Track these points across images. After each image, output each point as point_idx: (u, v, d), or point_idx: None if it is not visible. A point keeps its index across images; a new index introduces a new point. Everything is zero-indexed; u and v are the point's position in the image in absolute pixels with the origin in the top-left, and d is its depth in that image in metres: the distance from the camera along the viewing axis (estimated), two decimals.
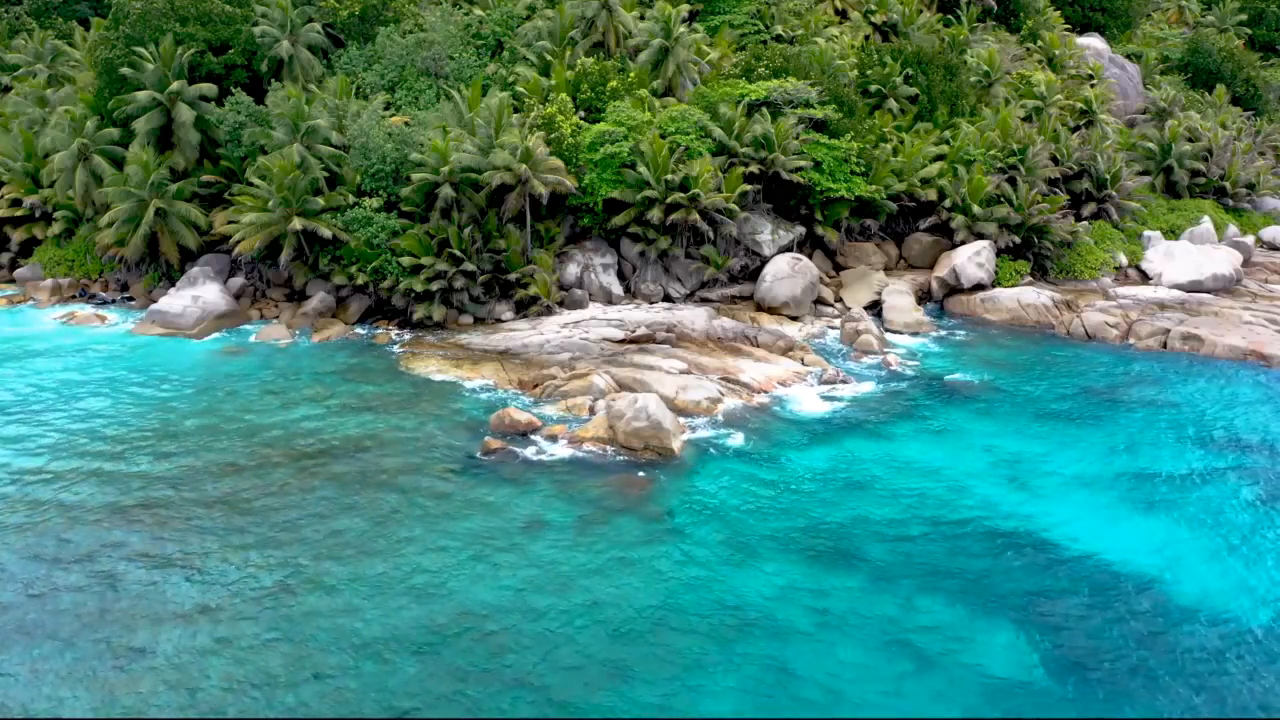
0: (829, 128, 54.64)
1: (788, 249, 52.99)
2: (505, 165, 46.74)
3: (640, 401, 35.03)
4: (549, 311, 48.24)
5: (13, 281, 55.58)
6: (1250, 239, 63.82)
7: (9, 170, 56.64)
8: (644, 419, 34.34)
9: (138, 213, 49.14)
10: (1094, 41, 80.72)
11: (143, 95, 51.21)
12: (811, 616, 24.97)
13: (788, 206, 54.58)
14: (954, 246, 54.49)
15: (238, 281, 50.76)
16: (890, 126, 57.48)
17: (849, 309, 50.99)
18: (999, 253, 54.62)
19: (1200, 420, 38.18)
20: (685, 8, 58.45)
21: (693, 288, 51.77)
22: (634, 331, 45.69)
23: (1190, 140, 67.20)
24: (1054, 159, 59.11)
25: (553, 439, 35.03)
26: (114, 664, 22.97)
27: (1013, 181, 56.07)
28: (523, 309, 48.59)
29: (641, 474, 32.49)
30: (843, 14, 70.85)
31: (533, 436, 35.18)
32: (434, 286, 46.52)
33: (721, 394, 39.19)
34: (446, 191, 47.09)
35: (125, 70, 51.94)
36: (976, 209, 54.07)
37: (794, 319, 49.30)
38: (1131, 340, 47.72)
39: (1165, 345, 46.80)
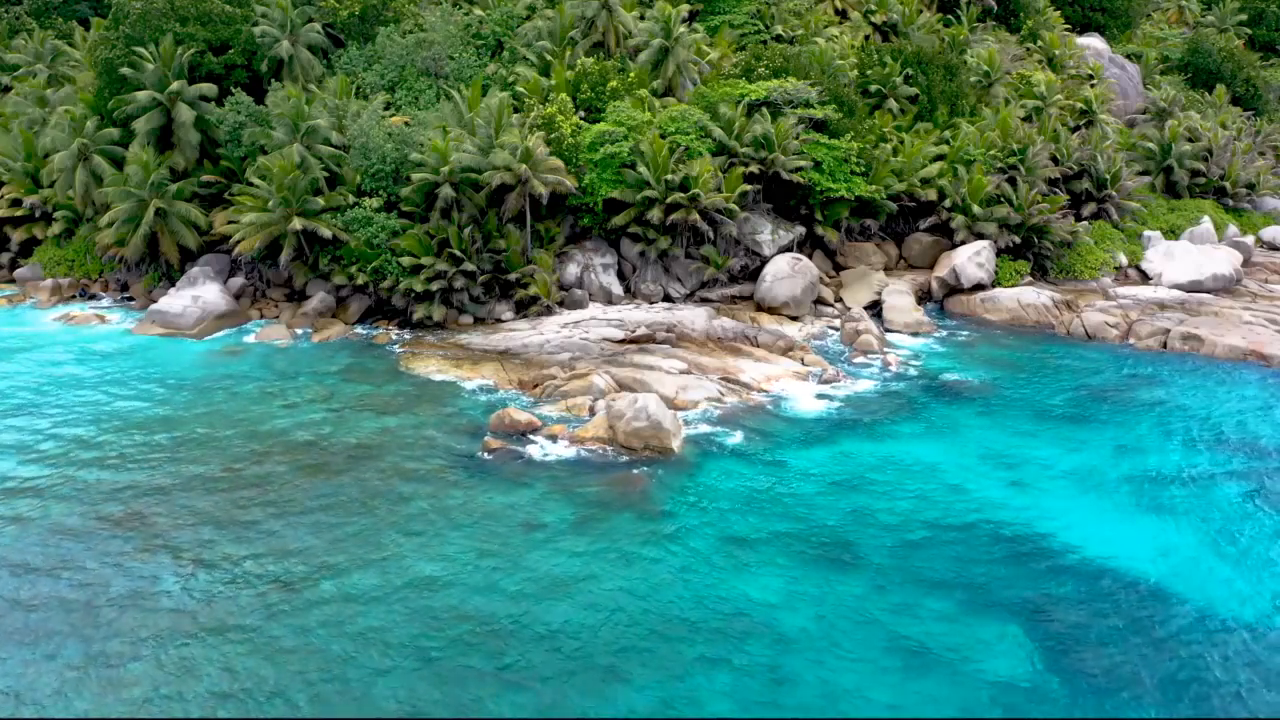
0: (829, 128, 54.65)
1: (788, 249, 52.99)
2: (505, 165, 46.75)
3: (640, 401, 35.04)
4: (549, 311, 48.24)
5: (13, 281, 55.60)
6: (1250, 239, 63.82)
7: (9, 170, 56.65)
8: (644, 419, 34.35)
9: (138, 213, 49.14)
10: (1094, 41, 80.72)
11: (143, 95, 51.21)
12: (811, 617, 24.96)
13: (788, 206, 54.59)
14: (954, 246, 54.50)
15: (238, 281, 50.76)
16: (890, 126, 57.48)
17: (849, 309, 50.99)
18: (999, 253, 54.62)
19: (1200, 421, 38.18)
20: (685, 8, 58.46)
21: (693, 288, 51.77)
22: (634, 331, 45.70)
23: (1190, 140, 67.20)
24: (1054, 159, 59.11)
25: (553, 439, 35.03)
26: (112, 664, 22.96)
27: (1013, 181, 56.07)
28: (523, 309, 48.60)
29: (641, 474, 32.49)
30: (843, 14, 70.85)
31: (533, 436, 35.18)
32: (434, 286, 46.52)
33: (721, 394, 39.20)
34: (446, 191, 47.10)
35: (125, 70, 51.95)
36: (976, 209, 54.08)
37: (794, 319, 49.30)
38: (1131, 340, 47.72)
39: (1165, 345, 46.81)
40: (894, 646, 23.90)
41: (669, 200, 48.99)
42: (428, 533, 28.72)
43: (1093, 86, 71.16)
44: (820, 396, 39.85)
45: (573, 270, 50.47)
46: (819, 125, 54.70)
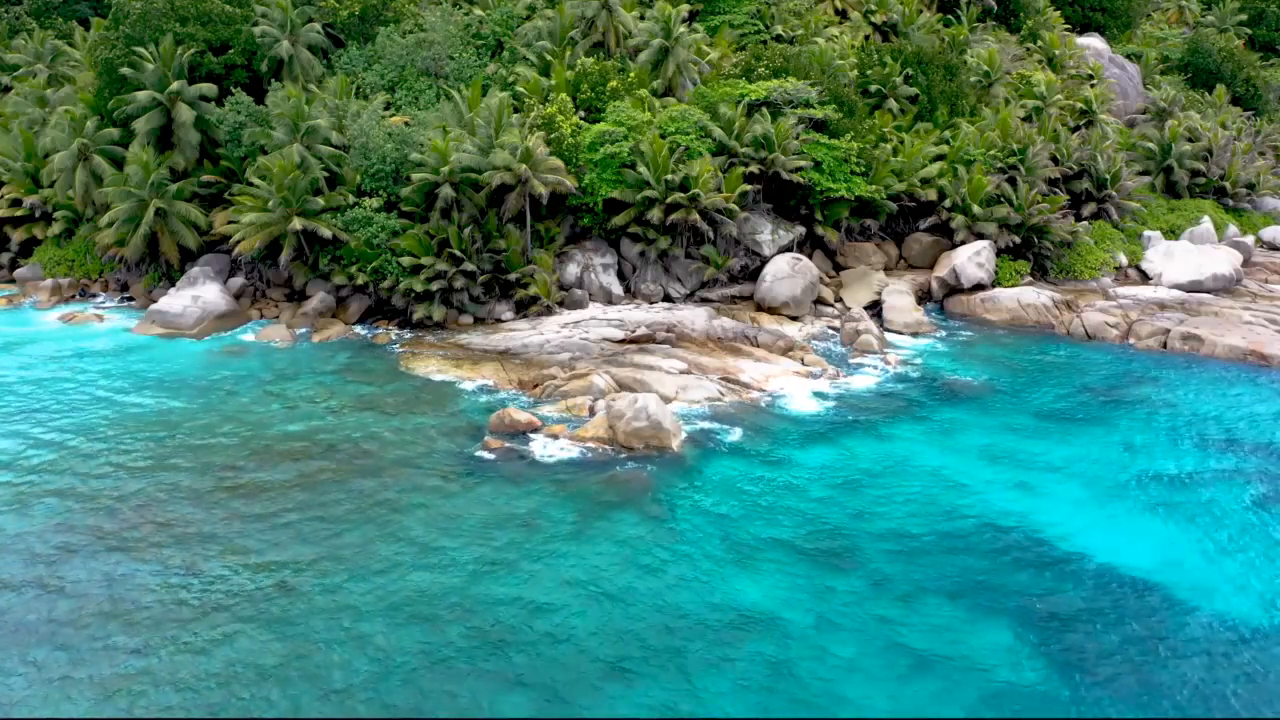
0: (829, 128, 54.65)
1: (788, 249, 52.99)
2: (505, 165, 46.75)
3: (640, 401, 35.04)
4: (549, 311, 48.24)
5: (13, 281, 55.63)
6: (1250, 239, 63.82)
7: (9, 170, 56.67)
8: (644, 419, 34.35)
9: (138, 213, 49.14)
10: (1094, 41, 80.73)
11: (143, 95, 51.22)
12: (811, 616, 24.96)
13: (788, 206, 54.59)
14: (954, 246, 54.50)
15: (238, 281, 50.77)
16: (890, 126, 57.48)
17: (849, 309, 50.99)
18: (999, 253, 54.62)
19: (1200, 420, 38.18)
20: (685, 8, 58.46)
21: (693, 288, 51.77)
22: (634, 331, 45.69)
23: (1190, 140, 67.20)
24: (1054, 159, 59.12)
25: (553, 439, 35.03)
26: (113, 664, 22.96)
27: (1013, 181, 56.07)
28: (523, 309, 48.60)
29: (641, 474, 32.48)
30: (843, 14, 70.86)
31: (533, 436, 35.18)
32: (434, 286, 46.53)
33: (721, 394, 39.21)
34: (446, 191, 47.09)
35: (125, 70, 51.95)
36: (976, 209, 54.07)
37: (794, 319, 49.30)
38: (1131, 340, 47.72)
39: (1165, 345, 46.81)
40: (894, 646, 23.90)
41: (669, 200, 48.99)
42: (427, 532, 28.72)
43: (1093, 86, 71.16)
44: (820, 396, 39.85)
45: (573, 270, 50.47)
46: (819, 125, 54.71)
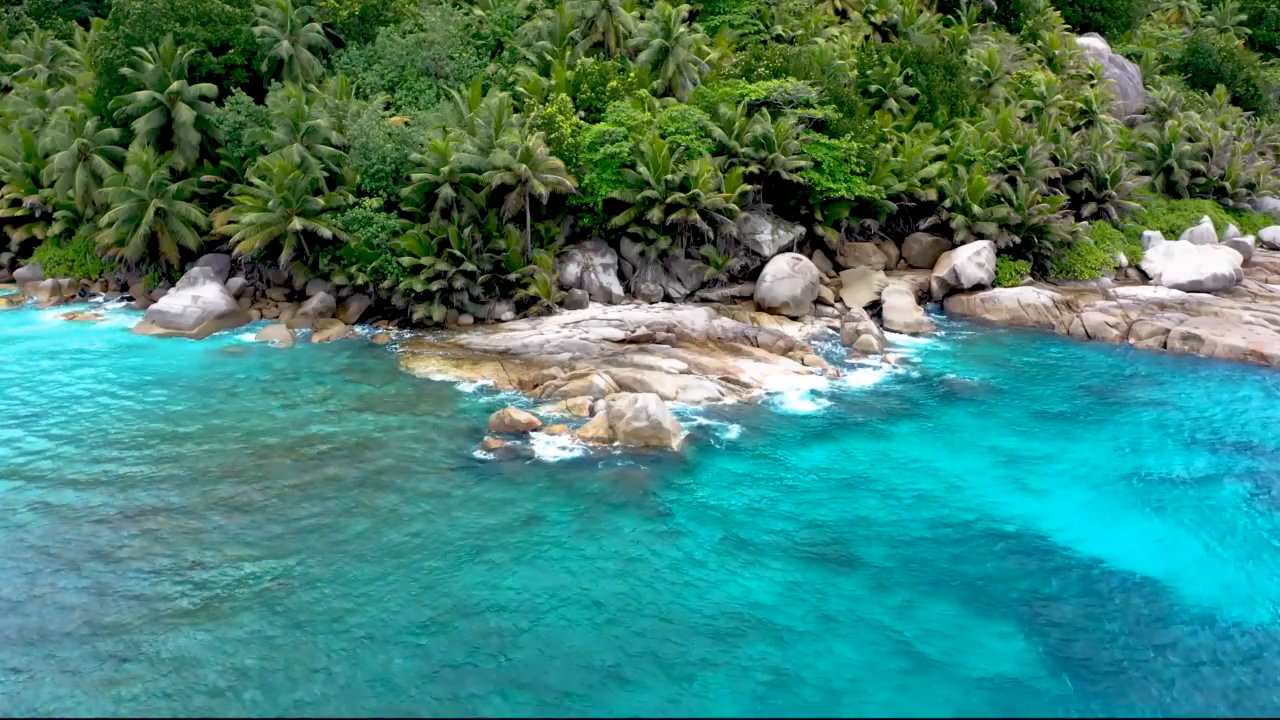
0: (829, 128, 54.65)
1: (788, 249, 52.99)
2: (505, 165, 46.75)
3: (640, 401, 35.05)
4: (549, 311, 48.24)
5: (13, 281, 55.64)
6: (1250, 239, 63.82)
7: (9, 170, 56.67)
8: (644, 419, 34.36)
9: (138, 213, 49.15)
10: (1094, 41, 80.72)
11: (143, 95, 51.21)
12: (811, 616, 24.96)
13: (788, 206, 54.59)
14: (954, 246, 54.50)
15: (238, 281, 50.77)
16: (890, 126, 57.48)
17: (849, 309, 50.99)
18: (999, 253, 54.62)
19: (1200, 421, 38.17)
20: (685, 8, 58.46)
21: (693, 288, 51.77)
22: (634, 331, 45.70)
23: (1190, 140, 67.20)
24: (1054, 159, 59.12)
25: (553, 439, 35.03)
26: (113, 664, 22.96)
27: (1013, 181, 56.07)
28: (523, 309, 48.60)
29: (641, 473, 32.49)
30: (843, 14, 70.86)
31: (533, 436, 35.19)
32: (434, 286, 46.53)
33: (721, 394, 39.22)
34: (446, 191, 47.10)
35: (125, 70, 51.95)
36: (976, 209, 54.08)
37: (794, 319, 49.30)
38: (1131, 340, 47.72)
39: (1165, 345, 46.81)
40: (894, 646, 23.90)
41: (669, 200, 48.99)
42: (427, 532, 28.72)
43: (1093, 86, 71.16)
44: (820, 396, 39.85)
45: (573, 270, 50.47)
46: (819, 125, 54.70)
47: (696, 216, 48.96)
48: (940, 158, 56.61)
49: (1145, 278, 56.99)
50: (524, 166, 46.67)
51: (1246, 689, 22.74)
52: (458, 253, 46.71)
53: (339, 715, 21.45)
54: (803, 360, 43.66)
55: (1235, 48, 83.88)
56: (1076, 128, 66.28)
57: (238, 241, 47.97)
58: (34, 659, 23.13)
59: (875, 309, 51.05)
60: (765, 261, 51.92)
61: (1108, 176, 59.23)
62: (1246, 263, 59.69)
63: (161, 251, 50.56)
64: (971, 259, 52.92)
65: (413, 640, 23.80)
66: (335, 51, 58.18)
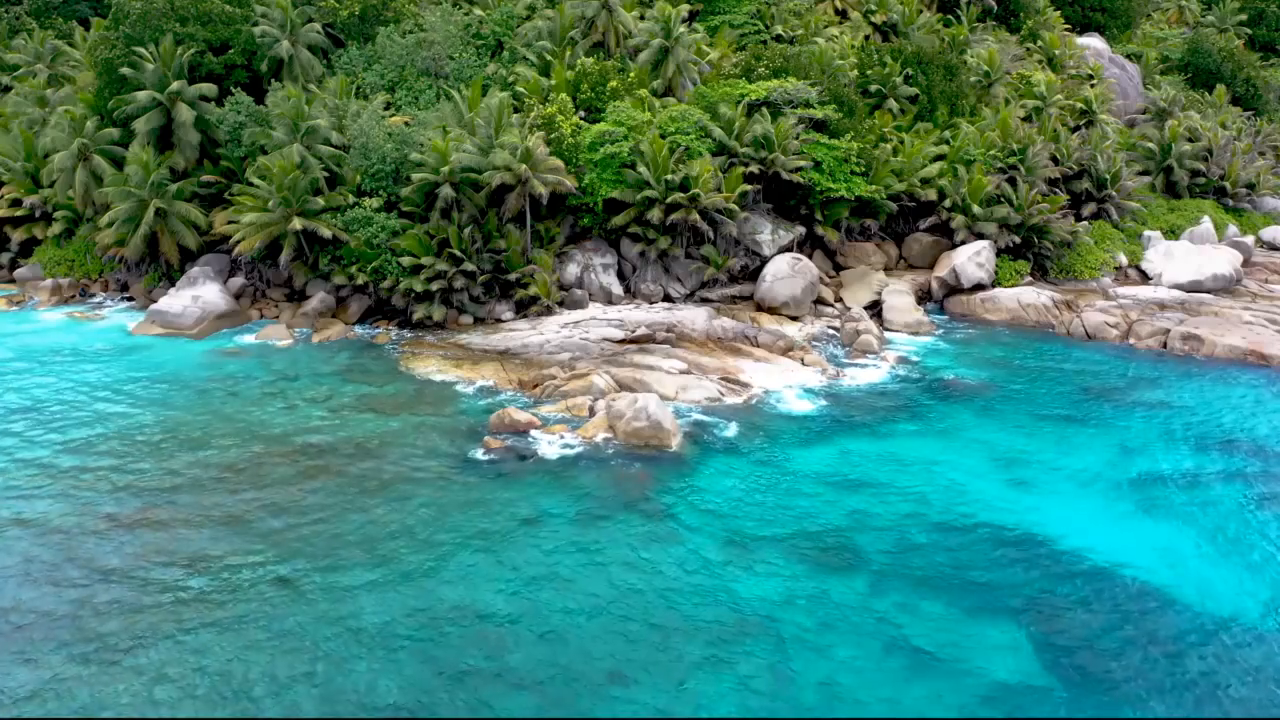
0: (829, 128, 54.66)
1: (788, 249, 53.00)
2: (505, 165, 46.75)
3: (640, 401, 35.05)
4: (549, 311, 48.24)
5: (13, 282, 55.64)
6: (1250, 239, 63.84)
7: (9, 170, 56.66)
8: (644, 419, 34.36)
9: (138, 213, 49.15)
10: (1094, 41, 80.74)
11: (143, 95, 51.21)
12: (811, 616, 24.96)
13: (788, 206, 54.60)
14: (954, 246, 54.51)
15: (238, 281, 50.77)
16: (890, 126, 57.49)
17: (849, 309, 51.00)
18: (999, 253, 54.64)
19: (1200, 421, 38.17)
20: (685, 8, 58.48)
21: (693, 288, 51.77)
22: (634, 331, 45.70)
23: (1190, 140, 67.23)
24: (1054, 159, 59.14)
25: (553, 439, 35.03)
26: (113, 664, 22.95)
27: (1013, 181, 56.09)
28: (523, 309, 48.60)
29: (641, 473, 32.48)
30: (843, 14, 70.90)
31: (533, 436, 35.19)
32: (434, 286, 46.54)
33: (721, 394, 39.22)
34: (446, 191, 47.10)
35: (125, 70, 51.94)
36: (976, 209, 54.08)
37: (794, 319, 49.30)
38: (1131, 340, 47.73)
39: (1165, 345, 46.81)
40: (893, 646, 23.90)
41: (669, 200, 48.99)
42: (427, 532, 28.71)
43: (1093, 86, 71.18)
44: (820, 396, 39.85)
45: (573, 270, 50.47)
46: (819, 125, 54.71)
47: (696, 216, 48.97)
48: (940, 158, 56.63)
49: (1145, 278, 57.02)
50: (524, 166, 46.67)
51: (1247, 689, 22.72)
52: (458, 253, 46.71)
53: (339, 715, 21.44)
54: (803, 360, 43.66)
55: (1235, 48, 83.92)
56: (1076, 128, 66.31)
57: (238, 241, 47.97)
58: (35, 658, 23.11)
59: (875, 309, 51.06)
60: (765, 261, 51.93)
61: (1108, 176, 59.24)
62: (1246, 263, 59.72)
63: (161, 251, 50.55)
64: (971, 259, 52.93)
65: (413, 640, 23.79)
66: (335, 51, 58.18)
